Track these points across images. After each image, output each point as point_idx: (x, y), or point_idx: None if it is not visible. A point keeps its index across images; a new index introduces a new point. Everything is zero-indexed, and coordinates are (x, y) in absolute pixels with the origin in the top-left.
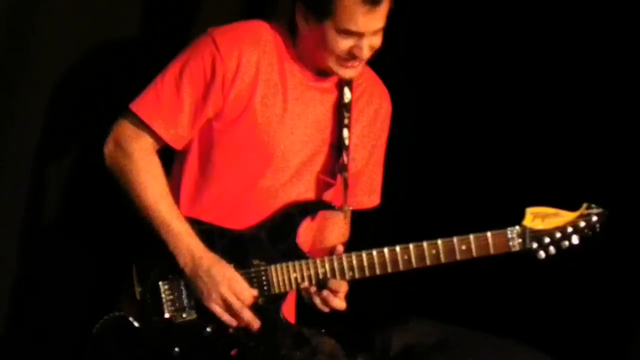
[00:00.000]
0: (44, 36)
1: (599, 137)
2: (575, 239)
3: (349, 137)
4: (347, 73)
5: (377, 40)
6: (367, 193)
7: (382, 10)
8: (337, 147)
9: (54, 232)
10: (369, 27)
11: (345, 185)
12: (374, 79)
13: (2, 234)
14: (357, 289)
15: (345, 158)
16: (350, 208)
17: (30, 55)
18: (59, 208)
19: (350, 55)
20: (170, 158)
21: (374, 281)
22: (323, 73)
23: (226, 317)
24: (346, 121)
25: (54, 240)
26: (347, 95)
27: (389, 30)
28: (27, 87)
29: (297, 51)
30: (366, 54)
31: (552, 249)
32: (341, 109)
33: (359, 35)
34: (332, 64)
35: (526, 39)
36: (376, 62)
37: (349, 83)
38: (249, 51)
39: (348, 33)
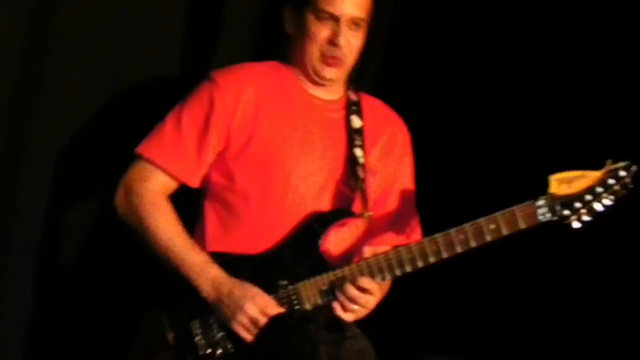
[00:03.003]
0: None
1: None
2: (607, 200)
3: (365, 157)
4: (326, 71)
5: (356, 37)
6: (407, 234)
7: None
8: (352, 165)
9: (91, 259)
10: (346, 9)
11: (363, 196)
12: (385, 109)
13: (24, 279)
14: (373, 323)
15: (360, 173)
16: (372, 213)
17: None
18: (77, 263)
19: (330, 44)
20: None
21: (391, 316)
22: (328, 92)
23: (254, 337)
24: (358, 142)
25: (91, 266)
26: (357, 122)
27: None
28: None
29: (297, 71)
30: (343, 43)
31: (584, 215)
32: (351, 133)
33: (335, 18)
34: (314, 58)
35: (540, 49)
36: (385, 94)
37: (357, 112)
38: (248, 85)
39: (325, 16)
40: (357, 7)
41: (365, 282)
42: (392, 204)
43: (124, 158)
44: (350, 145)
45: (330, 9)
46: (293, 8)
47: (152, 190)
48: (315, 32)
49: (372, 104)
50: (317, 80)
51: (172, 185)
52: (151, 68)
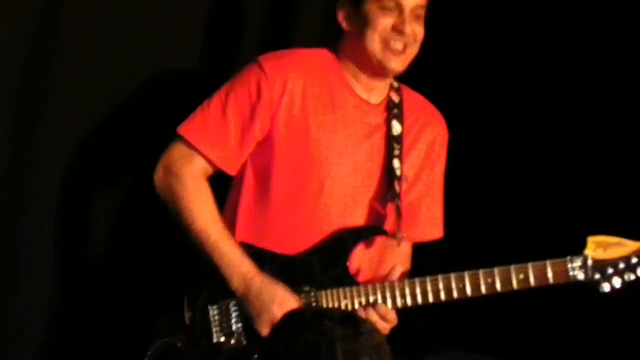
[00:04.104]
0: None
1: None
2: None
3: (401, 168)
4: (392, 62)
5: (419, 29)
6: (429, 225)
7: None
8: (389, 176)
9: (103, 258)
10: None
11: (399, 213)
12: (427, 107)
13: (52, 260)
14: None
15: (397, 188)
16: (404, 235)
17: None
18: (108, 235)
19: (395, 31)
20: (227, 188)
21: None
22: (373, 95)
23: None
24: (397, 152)
25: (103, 266)
26: (397, 128)
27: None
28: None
29: (345, 70)
30: (409, 31)
31: (616, 281)
32: (391, 141)
33: (400, 7)
34: (377, 49)
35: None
36: (426, 90)
37: (398, 116)
38: (296, 75)
39: (389, 5)
40: None
41: (386, 311)
42: (420, 207)
43: (136, 157)
44: (389, 154)
45: None
46: (350, 2)
47: (192, 173)
48: (379, 22)
49: (413, 102)
50: (381, 73)
51: (211, 169)
52: (162, 65)
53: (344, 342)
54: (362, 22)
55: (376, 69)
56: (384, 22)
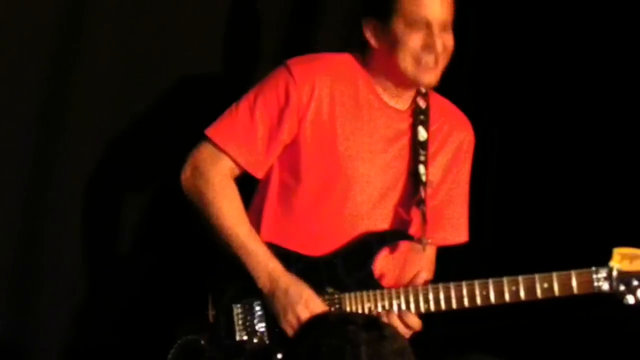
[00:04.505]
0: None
1: None
2: None
3: (426, 174)
4: (425, 78)
5: (448, 39)
6: (454, 229)
7: None
8: (414, 182)
9: (128, 255)
10: (436, 12)
11: (424, 219)
12: (453, 112)
13: (76, 259)
14: None
15: (422, 193)
16: (429, 241)
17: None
18: (134, 231)
19: (425, 50)
20: (251, 190)
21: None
22: (400, 101)
23: None
24: (422, 158)
25: (128, 262)
26: (423, 134)
27: (461, 56)
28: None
29: (372, 78)
30: (439, 47)
31: None
32: (416, 147)
33: (428, 24)
34: (409, 66)
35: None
36: (453, 94)
37: (424, 122)
38: (323, 80)
39: (417, 23)
40: (446, 8)
41: (410, 318)
42: (445, 211)
43: (161, 159)
44: (415, 160)
45: (422, 14)
46: (376, 19)
47: (220, 174)
48: (409, 41)
49: (440, 107)
50: (413, 85)
51: (237, 171)
52: (185, 68)
53: (369, 346)
54: (391, 40)
55: (408, 82)
56: (414, 40)
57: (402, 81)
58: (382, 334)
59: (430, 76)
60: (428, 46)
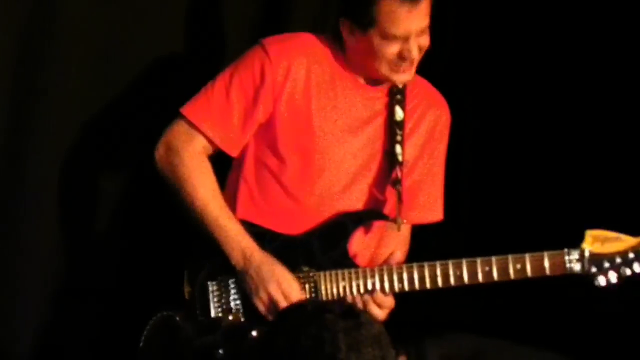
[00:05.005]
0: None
1: None
2: (637, 267)
3: (402, 154)
4: (400, 78)
5: (424, 40)
6: (429, 207)
7: (423, 8)
8: (390, 161)
9: (105, 234)
10: (413, 27)
11: (399, 199)
12: (429, 91)
13: (54, 234)
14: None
15: (398, 173)
16: (405, 221)
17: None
18: (109, 211)
19: (401, 59)
20: (226, 169)
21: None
22: (375, 82)
23: (271, 317)
24: (399, 138)
25: (105, 242)
26: (399, 113)
27: (438, 35)
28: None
29: (347, 62)
30: (415, 54)
31: (612, 276)
32: (392, 126)
33: (405, 37)
34: (384, 71)
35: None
36: (429, 71)
37: (400, 102)
38: (299, 59)
39: (394, 37)
40: (423, 18)
41: (384, 299)
42: (420, 190)
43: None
44: (391, 140)
45: (399, 32)
46: (356, 25)
47: (194, 152)
48: (384, 52)
49: (416, 86)
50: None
51: (211, 149)
52: (158, 50)
53: (347, 334)
54: (367, 46)
55: (381, 79)
56: (391, 49)
57: (376, 77)
58: (359, 321)
59: (405, 76)
60: (404, 54)
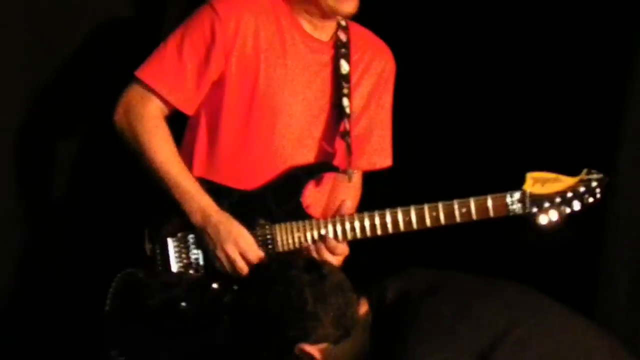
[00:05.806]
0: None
1: (598, 104)
2: (576, 205)
3: (350, 106)
4: (345, 7)
5: None
6: (377, 154)
7: None
8: (338, 114)
9: (65, 195)
10: None
11: (349, 151)
12: (373, 41)
13: (15, 203)
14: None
15: (347, 125)
16: (354, 172)
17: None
18: (67, 172)
19: None
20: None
21: (371, 242)
22: (321, 31)
23: (230, 273)
24: (345, 91)
25: (66, 202)
26: (345, 67)
27: None
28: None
29: (291, 7)
30: None
31: (553, 214)
32: (339, 80)
33: None
34: (330, 1)
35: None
36: (374, 23)
37: (345, 55)
38: (247, 15)
39: None
40: None
41: (338, 246)
42: (369, 137)
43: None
44: (338, 93)
45: None
46: None
47: (151, 113)
48: None
49: (360, 38)
50: (333, 16)
51: (167, 110)
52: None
53: (312, 287)
54: None
55: (328, 13)
56: None
57: (320, 9)
58: (321, 273)
59: (349, 5)
60: None
